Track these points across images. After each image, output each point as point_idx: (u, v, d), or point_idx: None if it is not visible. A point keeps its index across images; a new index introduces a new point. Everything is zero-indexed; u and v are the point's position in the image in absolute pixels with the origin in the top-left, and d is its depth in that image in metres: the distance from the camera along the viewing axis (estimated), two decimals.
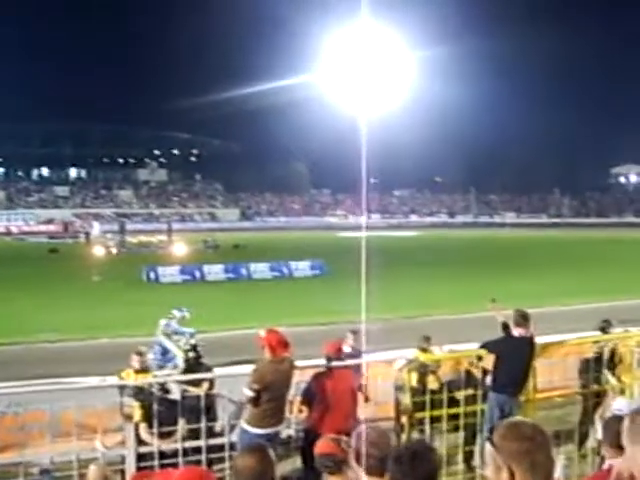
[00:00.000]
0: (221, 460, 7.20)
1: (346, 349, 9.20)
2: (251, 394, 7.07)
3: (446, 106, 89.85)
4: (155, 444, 7.38)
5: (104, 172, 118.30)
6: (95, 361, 14.35)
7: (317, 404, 7.57)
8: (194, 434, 7.62)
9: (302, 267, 35.37)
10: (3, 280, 29.06)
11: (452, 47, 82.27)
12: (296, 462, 8.00)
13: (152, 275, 32.72)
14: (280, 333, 7.67)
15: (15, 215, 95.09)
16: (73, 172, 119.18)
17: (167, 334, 13.19)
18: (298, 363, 7.74)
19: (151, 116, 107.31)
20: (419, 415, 8.13)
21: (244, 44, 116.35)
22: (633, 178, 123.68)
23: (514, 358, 8.07)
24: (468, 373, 9.11)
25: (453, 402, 8.15)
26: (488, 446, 2.51)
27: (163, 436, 7.54)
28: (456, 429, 8.27)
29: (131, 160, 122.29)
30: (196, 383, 8.76)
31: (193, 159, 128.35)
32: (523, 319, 8.19)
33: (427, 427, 8.01)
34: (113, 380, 9.17)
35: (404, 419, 8.49)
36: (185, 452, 7.42)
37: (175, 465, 6.56)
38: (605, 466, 4.02)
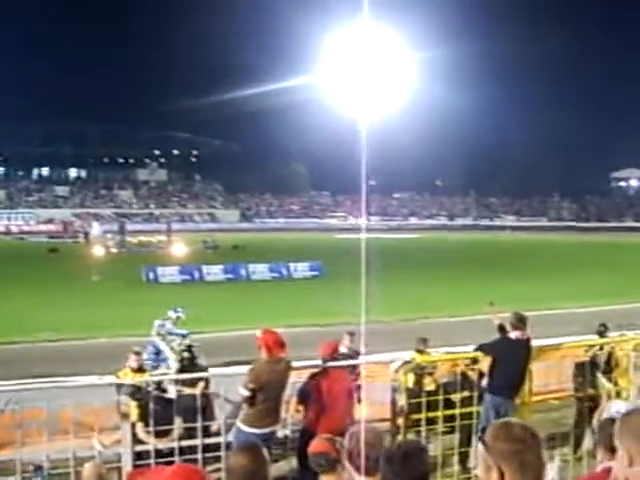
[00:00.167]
0: (217, 459, 7.22)
1: (342, 350, 9.22)
2: (247, 394, 7.10)
3: (446, 108, 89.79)
4: (152, 443, 7.40)
5: (104, 172, 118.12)
6: (94, 360, 14.36)
7: (313, 404, 7.59)
8: (190, 433, 7.65)
9: (301, 268, 35.41)
10: (3, 279, 29.04)
11: (452, 49, 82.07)
12: (292, 462, 8.02)
13: (151, 275, 32.74)
14: (277, 333, 7.70)
15: (15, 214, 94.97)
16: (73, 172, 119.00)
17: (161, 335, 13.29)
18: (295, 364, 7.76)
19: (151, 116, 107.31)
20: (415, 416, 8.15)
21: (244, 45, 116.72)
22: (633, 182, 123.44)
23: (510, 360, 8.10)
24: (464, 375, 9.13)
25: (449, 404, 8.18)
26: (479, 446, 2.53)
27: (160, 435, 7.57)
28: (452, 431, 8.30)
29: (131, 160, 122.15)
30: (191, 384, 8.78)
31: (193, 159, 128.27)
32: (520, 322, 8.22)
33: (423, 428, 8.03)
34: (110, 379, 9.20)
35: (400, 420, 8.51)
36: (182, 451, 7.45)
37: (171, 464, 6.58)
38: (599, 468, 4.04)
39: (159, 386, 8.37)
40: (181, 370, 9.92)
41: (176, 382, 8.90)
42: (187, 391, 8.62)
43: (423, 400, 7.97)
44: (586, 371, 9.04)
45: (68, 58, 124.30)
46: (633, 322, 13.51)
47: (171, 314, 13.75)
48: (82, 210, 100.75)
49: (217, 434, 7.94)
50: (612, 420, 3.63)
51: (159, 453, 7.37)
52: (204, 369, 9.86)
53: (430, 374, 9.31)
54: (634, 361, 8.91)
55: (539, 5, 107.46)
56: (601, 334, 10.54)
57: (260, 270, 35.02)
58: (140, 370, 9.75)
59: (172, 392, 8.62)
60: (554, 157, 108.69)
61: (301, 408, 7.93)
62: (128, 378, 9.13)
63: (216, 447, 7.44)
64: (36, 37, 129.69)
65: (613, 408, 5.74)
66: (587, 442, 8.38)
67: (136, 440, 7.54)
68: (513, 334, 8.20)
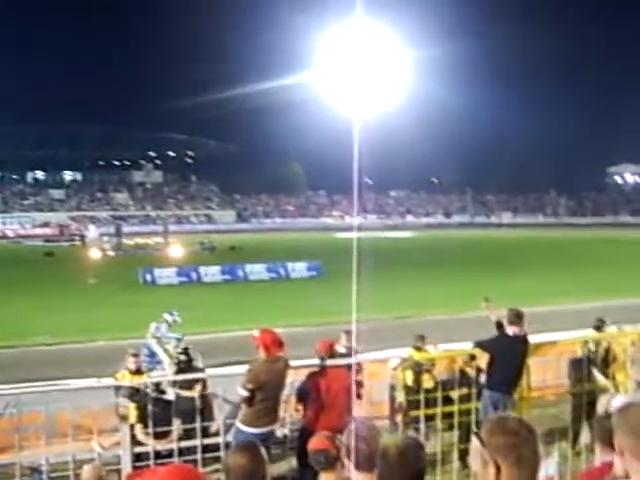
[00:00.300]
0: (217, 460, 7.22)
1: (340, 349, 9.22)
2: (245, 393, 7.11)
3: (442, 106, 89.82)
4: (151, 444, 7.41)
5: (100, 175, 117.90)
6: (92, 364, 14.35)
7: (312, 403, 7.60)
8: (190, 434, 7.66)
9: (299, 268, 35.41)
10: None
11: (448, 47, 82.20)
12: (291, 462, 8.02)
13: (149, 277, 32.72)
14: (275, 333, 7.71)
15: (11, 218, 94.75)
16: (68, 175, 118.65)
17: (156, 337, 13.33)
18: (293, 363, 7.77)
19: (146, 118, 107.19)
20: (414, 413, 8.17)
21: (240, 44, 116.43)
22: (629, 177, 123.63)
23: (508, 356, 8.12)
24: (462, 372, 9.14)
25: (448, 401, 8.19)
26: (475, 441, 2.54)
27: (159, 436, 7.57)
28: (451, 427, 8.32)
29: (126, 162, 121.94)
30: (188, 387, 8.78)
31: (189, 161, 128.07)
32: (517, 317, 8.25)
33: (422, 425, 8.05)
34: (108, 381, 9.20)
35: (399, 418, 8.53)
36: (181, 452, 7.45)
37: None
38: (598, 463, 4.05)
39: (157, 388, 8.38)
40: (178, 373, 9.92)
41: (174, 384, 8.90)
42: (185, 394, 8.62)
43: (422, 397, 7.98)
44: (582, 367, 9.06)
45: (63, 60, 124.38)
46: (630, 317, 13.50)
47: (167, 317, 13.78)
48: (78, 213, 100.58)
49: (216, 434, 7.95)
50: (609, 415, 3.65)
51: (159, 454, 7.37)
52: (202, 371, 9.87)
53: (428, 371, 9.33)
54: (632, 356, 8.93)
55: (534, 1, 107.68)
56: (598, 329, 10.56)
57: (258, 270, 35.00)
58: (138, 372, 9.76)
59: (171, 394, 8.62)
60: (550, 154, 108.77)
61: (300, 407, 7.94)
62: (126, 380, 9.14)
63: (215, 448, 7.45)
64: (32, 39, 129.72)
65: (614, 403, 5.76)
66: (584, 437, 8.39)
67: (135, 442, 7.55)
68: (510, 330, 8.23)
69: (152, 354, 13.03)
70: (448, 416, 8.09)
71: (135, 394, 8.19)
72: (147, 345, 13.23)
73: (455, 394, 8.40)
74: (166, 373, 11.39)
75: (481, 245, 58.53)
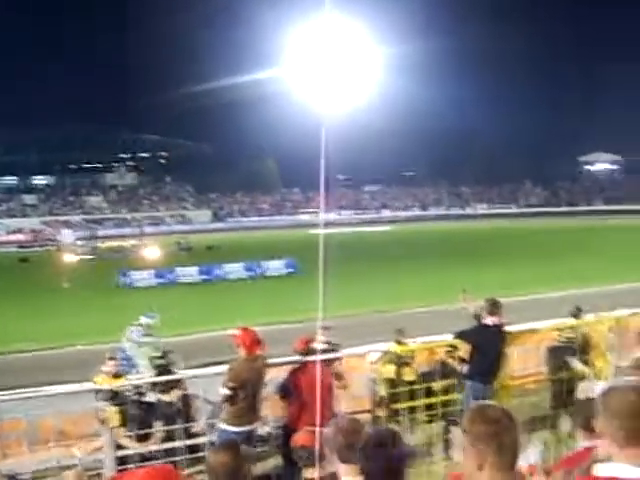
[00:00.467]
0: (201, 460, 7.19)
1: (319, 345, 9.22)
2: (228, 392, 7.10)
3: (414, 102, 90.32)
4: (133, 447, 7.37)
5: (71, 178, 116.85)
6: (72, 368, 14.22)
7: (294, 400, 7.60)
8: (172, 436, 7.63)
9: (276, 266, 35.42)
10: None
11: (420, 44, 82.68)
12: (276, 459, 8.02)
13: (126, 280, 32.55)
14: (254, 332, 7.70)
15: None
16: (40, 179, 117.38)
17: (132, 341, 13.23)
18: (272, 361, 7.77)
19: (118, 119, 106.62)
20: (396, 406, 8.20)
21: (210, 41, 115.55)
22: (602, 166, 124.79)
23: (488, 346, 8.17)
24: (443, 363, 9.18)
25: (430, 392, 8.23)
26: (457, 430, 2.57)
27: (141, 439, 7.53)
28: (434, 419, 8.35)
29: (98, 165, 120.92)
30: (167, 390, 8.72)
31: (162, 161, 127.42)
32: (495, 307, 8.30)
33: (404, 418, 8.08)
34: (89, 385, 9.12)
35: (381, 411, 8.55)
36: (165, 454, 7.42)
37: None
38: (579, 448, 4.10)
39: (137, 390, 8.32)
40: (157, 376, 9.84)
41: (153, 388, 8.84)
42: (164, 398, 8.57)
43: (403, 390, 8.01)
44: (559, 354, 9.15)
45: (28, 63, 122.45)
46: (606, 304, 13.63)
47: (143, 320, 13.66)
48: (51, 218, 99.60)
49: (199, 435, 7.92)
50: (589, 400, 3.69)
51: (142, 457, 7.33)
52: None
53: (408, 364, 9.35)
54: (610, 342, 9.01)
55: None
56: (575, 317, 10.66)
57: (235, 270, 34.98)
58: (117, 375, 9.67)
59: (151, 396, 8.57)
60: (523, 144, 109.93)
61: (284, 404, 7.94)
62: (105, 384, 9.06)
63: (199, 448, 7.43)
64: None
65: (597, 390, 5.82)
66: (564, 424, 8.47)
67: (118, 445, 7.50)
68: (490, 320, 8.28)
69: (127, 358, 12.90)
70: (430, 408, 8.12)
71: (115, 397, 8.12)
72: (122, 349, 13.09)
73: (437, 386, 8.44)
74: (142, 377, 11.29)
75: (457, 237, 58.87)
